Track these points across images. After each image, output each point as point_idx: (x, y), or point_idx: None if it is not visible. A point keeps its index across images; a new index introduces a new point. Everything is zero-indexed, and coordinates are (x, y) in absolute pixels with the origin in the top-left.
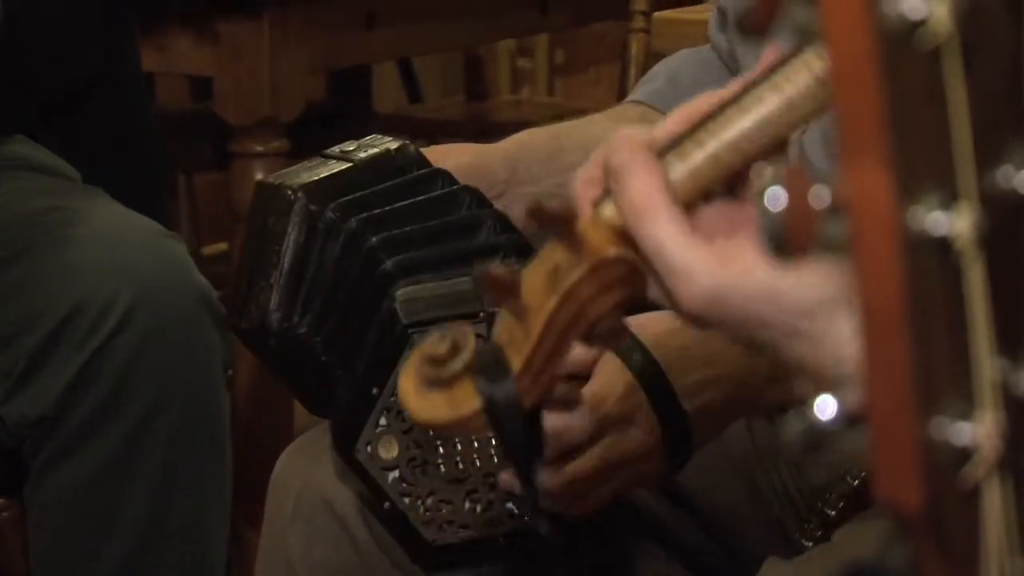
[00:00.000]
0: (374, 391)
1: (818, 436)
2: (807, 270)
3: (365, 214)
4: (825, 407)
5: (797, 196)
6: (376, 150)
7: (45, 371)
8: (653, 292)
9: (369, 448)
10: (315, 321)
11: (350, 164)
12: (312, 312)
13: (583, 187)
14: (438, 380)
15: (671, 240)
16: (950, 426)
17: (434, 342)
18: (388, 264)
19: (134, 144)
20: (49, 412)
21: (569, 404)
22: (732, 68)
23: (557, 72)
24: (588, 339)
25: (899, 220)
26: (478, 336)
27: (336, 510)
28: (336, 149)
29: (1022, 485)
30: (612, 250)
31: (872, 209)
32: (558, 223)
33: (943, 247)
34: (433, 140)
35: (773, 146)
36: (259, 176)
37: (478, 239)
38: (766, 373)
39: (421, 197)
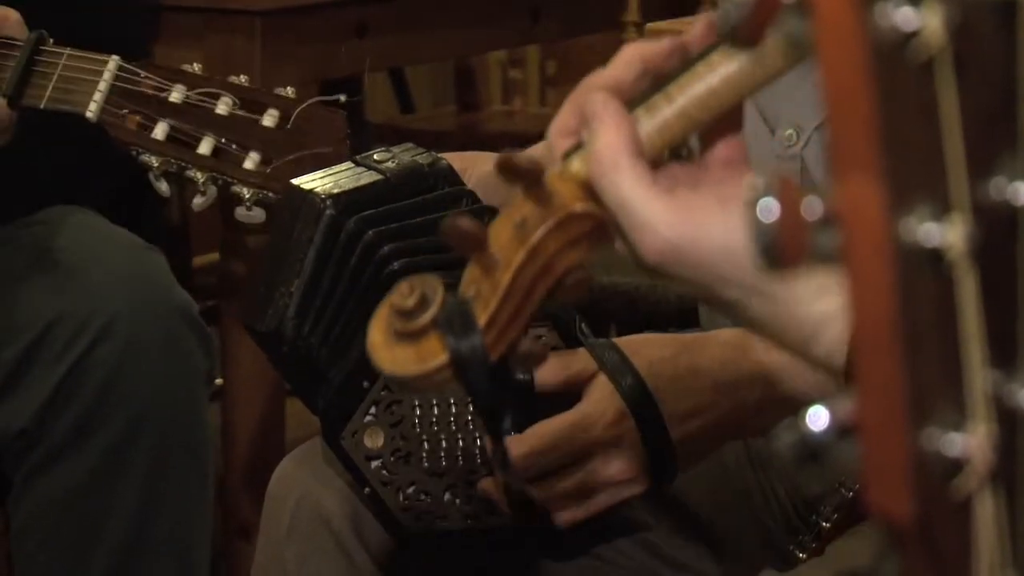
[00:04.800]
0: (365, 384)
1: (810, 447)
2: None
3: (383, 227)
4: (817, 418)
5: (789, 207)
6: (408, 162)
7: (25, 384)
8: (619, 246)
9: (355, 436)
10: (325, 331)
11: (381, 176)
12: (324, 322)
13: (556, 137)
14: (406, 333)
15: (633, 193)
16: (942, 437)
17: (403, 294)
18: (395, 265)
19: (122, 156)
20: (30, 425)
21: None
22: None
23: (549, 83)
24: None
25: (891, 231)
26: (447, 288)
27: (332, 527)
28: (368, 157)
29: (1014, 497)
30: (579, 204)
31: (864, 220)
32: (526, 177)
33: (935, 258)
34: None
35: (740, 102)
36: None
37: None
38: (753, 406)
39: (441, 213)
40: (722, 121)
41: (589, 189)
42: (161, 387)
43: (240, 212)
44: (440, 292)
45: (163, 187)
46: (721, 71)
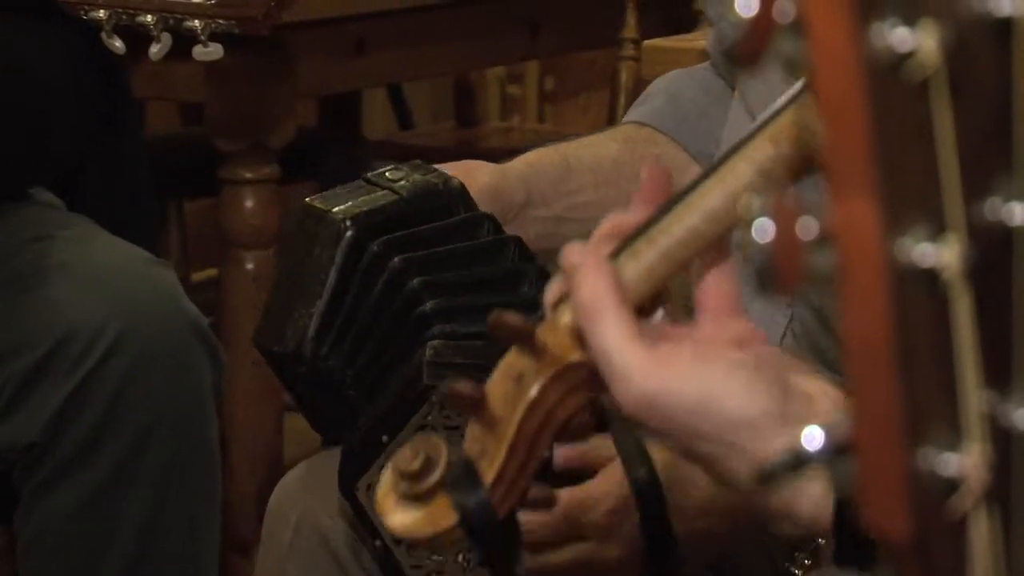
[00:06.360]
0: (384, 438)
1: (806, 467)
2: (739, 384)
3: (410, 254)
4: (812, 438)
5: (785, 227)
6: (421, 181)
7: (34, 397)
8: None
9: (369, 490)
10: (348, 354)
11: (397, 195)
12: (346, 344)
13: (551, 295)
14: (413, 495)
15: (614, 341)
16: (937, 457)
17: (407, 458)
18: (427, 306)
19: (122, 171)
20: (39, 438)
21: (543, 504)
22: (731, 84)
23: (547, 99)
24: (557, 439)
25: (886, 251)
26: (451, 446)
27: (331, 546)
28: (380, 175)
29: (1009, 516)
30: (573, 355)
31: (860, 240)
32: (519, 334)
33: (930, 279)
34: None
35: (722, 238)
36: (249, 203)
37: (519, 291)
38: (775, 508)
39: (467, 243)
40: (714, 265)
41: (581, 338)
42: (170, 401)
43: (198, 51)
44: (444, 453)
45: (117, 44)
46: (699, 210)
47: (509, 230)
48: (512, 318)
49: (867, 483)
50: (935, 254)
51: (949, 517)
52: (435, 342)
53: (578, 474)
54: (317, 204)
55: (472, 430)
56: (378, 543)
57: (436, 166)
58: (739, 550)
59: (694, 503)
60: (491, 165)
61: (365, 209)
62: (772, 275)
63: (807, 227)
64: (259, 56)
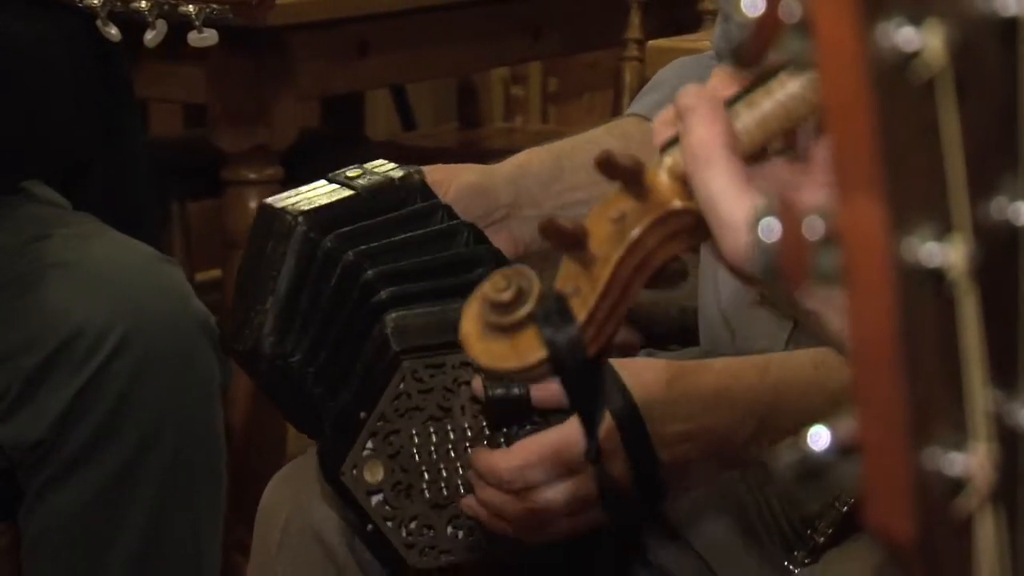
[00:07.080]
0: (362, 415)
1: (811, 466)
2: None
3: (363, 246)
4: (818, 437)
5: (791, 227)
6: (380, 178)
7: (41, 395)
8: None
9: (355, 471)
10: (308, 352)
11: (353, 192)
12: (305, 342)
13: (659, 127)
14: (501, 326)
15: (722, 190)
16: (943, 456)
17: (498, 287)
18: (383, 295)
19: (125, 171)
20: (46, 436)
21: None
22: None
23: (550, 100)
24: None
25: (893, 251)
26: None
27: (324, 540)
28: (341, 174)
29: (1015, 516)
30: (677, 201)
31: (866, 240)
32: (626, 174)
33: (937, 278)
34: None
35: None
36: (252, 204)
37: (474, 274)
38: (750, 432)
39: (420, 231)
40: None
41: (688, 183)
42: (177, 399)
43: (193, 36)
44: (537, 287)
45: (112, 31)
46: None
47: (498, 230)
48: (621, 157)
49: (872, 483)
50: (941, 254)
51: (955, 517)
52: (392, 315)
53: (558, 415)
54: (272, 202)
55: (566, 267)
56: (369, 527)
57: (425, 167)
58: (715, 474)
59: (673, 432)
60: (479, 166)
61: (318, 205)
62: (778, 274)
63: (813, 227)
64: (261, 57)
